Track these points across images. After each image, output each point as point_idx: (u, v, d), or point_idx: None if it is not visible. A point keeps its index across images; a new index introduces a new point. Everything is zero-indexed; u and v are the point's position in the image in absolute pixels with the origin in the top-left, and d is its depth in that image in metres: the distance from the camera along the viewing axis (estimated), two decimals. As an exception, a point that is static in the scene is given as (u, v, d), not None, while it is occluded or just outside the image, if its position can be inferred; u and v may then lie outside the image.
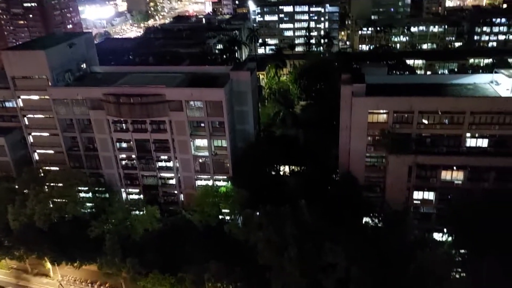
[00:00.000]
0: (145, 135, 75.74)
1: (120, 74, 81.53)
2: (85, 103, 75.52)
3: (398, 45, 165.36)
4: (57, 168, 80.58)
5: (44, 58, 73.82)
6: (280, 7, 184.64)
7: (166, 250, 67.07)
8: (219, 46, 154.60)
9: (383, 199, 66.89)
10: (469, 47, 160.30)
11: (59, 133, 79.37)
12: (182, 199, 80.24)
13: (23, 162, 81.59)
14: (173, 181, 79.70)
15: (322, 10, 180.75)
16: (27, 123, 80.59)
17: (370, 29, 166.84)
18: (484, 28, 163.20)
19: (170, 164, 77.94)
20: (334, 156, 72.05)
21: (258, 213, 61.00)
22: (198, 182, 77.83)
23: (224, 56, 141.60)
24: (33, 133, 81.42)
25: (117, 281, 72.10)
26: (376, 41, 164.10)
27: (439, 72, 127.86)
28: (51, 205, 73.80)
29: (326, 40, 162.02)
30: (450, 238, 63.08)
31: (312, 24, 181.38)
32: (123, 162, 79.87)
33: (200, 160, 76.57)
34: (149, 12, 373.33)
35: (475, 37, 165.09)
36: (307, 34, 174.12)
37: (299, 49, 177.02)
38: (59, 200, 73.86)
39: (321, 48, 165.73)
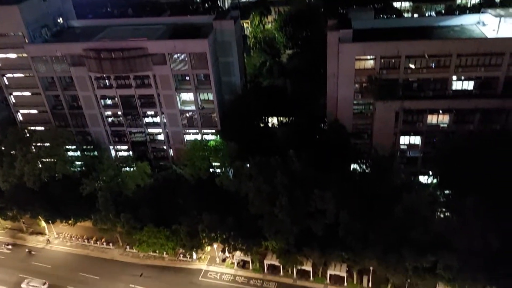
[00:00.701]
0: (129, 91, 74.37)
1: (99, 27, 78.73)
2: (65, 60, 73.26)
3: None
4: (43, 128, 79.69)
5: (18, 13, 70.61)
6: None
7: (159, 204, 68.17)
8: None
9: (371, 145, 67.88)
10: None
11: (41, 92, 77.60)
12: (172, 154, 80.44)
13: (7, 123, 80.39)
14: (161, 137, 79.44)
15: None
16: (6, 83, 78.42)
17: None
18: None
19: (157, 119, 77.30)
20: (322, 105, 72.05)
21: (248, 165, 61.64)
22: (187, 137, 77.75)
23: (206, 5, 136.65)
24: (14, 93, 79.47)
25: (113, 236, 73.74)
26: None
27: (426, 14, 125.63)
28: (40, 165, 73.57)
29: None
30: (435, 180, 64.91)
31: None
32: (110, 119, 79.01)
33: (188, 115, 76.01)
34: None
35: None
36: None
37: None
38: (47, 159, 73.58)
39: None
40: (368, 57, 63.21)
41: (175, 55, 70.24)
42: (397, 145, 66.73)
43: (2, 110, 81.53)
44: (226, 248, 64.22)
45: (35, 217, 76.02)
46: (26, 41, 72.89)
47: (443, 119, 63.96)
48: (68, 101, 78.78)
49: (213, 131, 75.92)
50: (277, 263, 64.09)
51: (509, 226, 50.26)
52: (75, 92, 76.51)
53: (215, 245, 68.12)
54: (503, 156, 54.95)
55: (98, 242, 75.82)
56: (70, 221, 74.43)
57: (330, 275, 63.24)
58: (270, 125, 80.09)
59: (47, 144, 74.36)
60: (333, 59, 64.36)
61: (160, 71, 71.33)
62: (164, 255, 70.45)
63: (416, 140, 66.65)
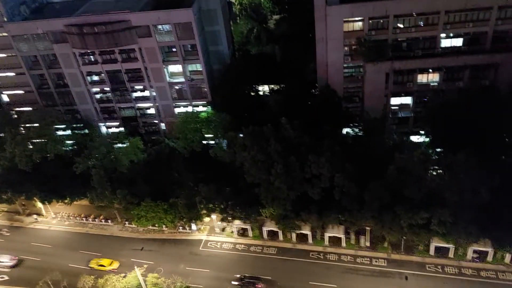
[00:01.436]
0: (116, 65, 73.05)
1: (79, 2, 76.15)
2: (47, 37, 71.40)
3: None
4: (30, 109, 78.37)
5: (-7, -10, 68.15)
6: None
7: (155, 179, 68.34)
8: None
9: (362, 109, 68.12)
10: None
11: (25, 71, 76.04)
12: (164, 128, 79.98)
13: (-8, 105, 78.87)
14: (152, 111, 78.72)
15: None
16: (-12, 64, 76.52)
17: None
18: None
19: (146, 93, 76.36)
20: (312, 70, 71.51)
21: (241, 135, 61.64)
22: (177, 110, 77.14)
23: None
24: (-3, 74, 77.73)
25: (111, 212, 74.20)
26: None
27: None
28: (31, 146, 72.85)
29: None
30: (427, 139, 65.71)
31: None
32: (98, 96, 77.89)
33: (177, 87, 75.13)
34: None
35: None
36: None
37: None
38: (38, 140, 72.84)
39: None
40: (356, 18, 62.39)
41: (159, 27, 68.70)
42: (388, 107, 67.00)
43: (-14, 92, 79.74)
44: (225, 217, 64.98)
45: (30, 199, 75.94)
46: (5, 19, 70.56)
47: (433, 78, 64.09)
48: (54, 79, 77.27)
49: (204, 102, 75.32)
50: (276, 229, 65.30)
51: (499, 179, 51.48)
52: (60, 70, 75.01)
53: (213, 216, 68.95)
54: (492, 111, 55.65)
55: (96, 220, 76.22)
56: (66, 200, 74.47)
57: (329, 237, 64.70)
58: (261, 93, 79.52)
59: (36, 125, 73.44)
60: (321, 23, 63.42)
61: (145, 44, 69.92)
62: (164, 228, 71.22)
63: (407, 100, 66.94)
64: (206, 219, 71.03)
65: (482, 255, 59.41)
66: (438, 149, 61.43)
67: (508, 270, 57.84)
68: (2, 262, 68.84)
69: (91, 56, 72.82)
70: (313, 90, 73.79)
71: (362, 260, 62.34)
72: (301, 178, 57.21)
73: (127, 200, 66.54)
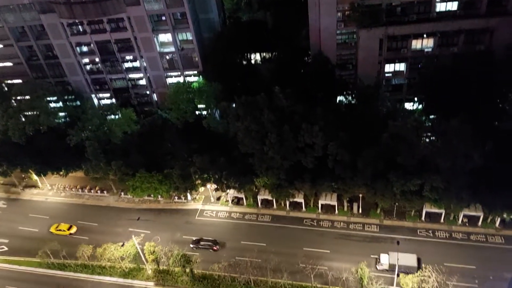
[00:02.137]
0: (105, 35, 71.51)
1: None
2: (33, 7, 69.47)
3: None
4: (20, 81, 77.25)
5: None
6: None
7: (149, 150, 68.35)
8: None
9: (356, 76, 67.44)
10: None
11: (13, 43, 74.45)
12: (156, 99, 79.27)
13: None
14: (143, 82, 77.74)
15: None
16: (-26, 36, 74.78)
17: None
18: None
19: (137, 64, 75.17)
20: (304, 37, 70.29)
21: (234, 105, 61.20)
22: (169, 80, 76.20)
23: None
24: (-15, 47, 76.17)
25: (106, 183, 74.58)
26: None
27: None
28: (23, 119, 72.36)
29: None
30: (420, 106, 65.50)
31: None
32: (88, 67, 76.66)
33: (167, 57, 73.89)
34: None
35: None
36: None
37: None
38: (30, 113, 72.29)
39: None
40: (350, -18, 60.88)
41: (148, -6, 66.90)
42: (382, 74, 66.32)
43: (-25, 65, 78.32)
44: (220, 187, 65.48)
45: (26, 171, 76.15)
46: (-12, -11, 68.46)
47: (428, 43, 63.11)
48: (43, 51, 75.84)
49: (196, 72, 74.31)
50: (270, 198, 66.04)
51: (492, 144, 51.70)
52: (48, 41, 73.49)
53: (208, 185, 69.50)
54: (486, 76, 55.25)
55: (92, 191, 76.77)
56: (61, 172, 74.70)
57: (322, 204, 65.58)
58: (253, 62, 78.46)
59: (28, 97, 72.71)
60: (314, -13, 61.87)
61: (134, 12, 68.19)
62: (159, 198, 71.91)
63: (401, 67, 66.13)
64: (201, 189, 71.67)
65: (472, 220, 60.53)
66: (432, 116, 61.39)
67: (497, 234, 59.13)
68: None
69: (80, 26, 71.15)
70: (306, 58, 72.85)
71: (355, 226, 63.47)
72: (295, 147, 57.34)
73: (122, 171, 66.80)
